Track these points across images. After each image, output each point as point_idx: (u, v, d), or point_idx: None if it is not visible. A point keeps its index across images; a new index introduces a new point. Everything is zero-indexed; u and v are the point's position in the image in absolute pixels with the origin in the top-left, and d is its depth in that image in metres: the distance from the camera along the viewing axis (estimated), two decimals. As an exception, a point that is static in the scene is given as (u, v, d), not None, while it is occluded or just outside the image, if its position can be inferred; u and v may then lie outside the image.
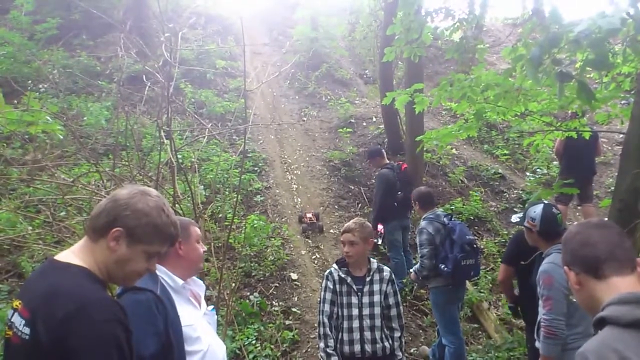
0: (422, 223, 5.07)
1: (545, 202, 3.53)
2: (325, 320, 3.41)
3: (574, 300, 2.92)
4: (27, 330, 1.46)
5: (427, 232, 4.94)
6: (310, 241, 7.78)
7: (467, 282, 5.62)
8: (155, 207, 1.68)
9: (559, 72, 2.35)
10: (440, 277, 4.84)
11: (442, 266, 4.75)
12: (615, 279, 1.46)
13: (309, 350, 5.52)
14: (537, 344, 3.09)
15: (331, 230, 8.13)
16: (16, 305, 1.54)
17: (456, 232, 4.82)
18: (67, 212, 5.53)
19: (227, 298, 5.10)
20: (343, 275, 3.45)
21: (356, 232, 3.38)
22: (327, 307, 3.44)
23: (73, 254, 1.62)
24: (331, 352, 3.33)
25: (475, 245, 4.89)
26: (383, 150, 7.61)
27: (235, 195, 5.78)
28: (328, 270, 3.59)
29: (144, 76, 5.83)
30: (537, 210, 3.37)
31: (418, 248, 5.06)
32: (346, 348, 3.39)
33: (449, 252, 4.76)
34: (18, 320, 1.50)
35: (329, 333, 3.38)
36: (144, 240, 1.65)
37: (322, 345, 3.38)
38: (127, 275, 1.68)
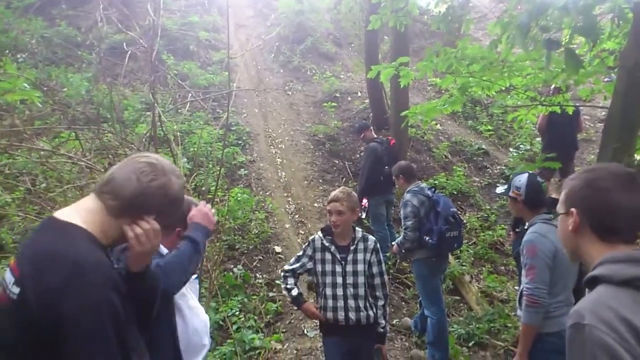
0: (407, 196, 5.06)
1: (530, 172, 3.54)
2: (287, 267, 3.60)
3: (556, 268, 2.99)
4: (16, 289, 1.38)
5: (411, 205, 4.94)
6: (295, 215, 7.78)
7: (449, 254, 5.69)
8: (181, 187, 1.67)
9: (547, 40, 2.34)
10: (423, 249, 4.86)
11: (427, 238, 4.77)
12: (619, 245, 1.41)
13: (292, 321, 5.56)
14: (519, 313, 3.14)
15: (315, 204, 8.13)
16: (10, 262, 1.47)
17: (440, 204, 4.85)
18: (48, 183, 5.44)
19: (210, 270, 5.09)
20: (327, 244, 3.45)
21: (344, 201, 3.37)
22: (292, 260, 3.60)
23: (77, 214, 1.52)
24: (290, 287, 3.51)
25: (458, 218, 4.93)
26: (370, 125, 7.61)
27: (219, 168, 5.73)
28: (312, 236, 3.60)
29: (124, 44, 5.70)
30: (522, 179, 3.36)
31: (402, 220, 5.06)
32: (330, 314, 3.42)
33: (434, 224, 4.78)
34: (9, 278, 1.42)
35: (289, 275, 3.55)
36: (165, 219, 1.64)
37: (282, 285, 3.60)
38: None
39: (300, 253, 3.58)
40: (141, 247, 1.58)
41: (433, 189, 5.18)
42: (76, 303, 1.34)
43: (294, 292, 3.50)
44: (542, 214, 3.26)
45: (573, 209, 1.48)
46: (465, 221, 7.85)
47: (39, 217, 4.62)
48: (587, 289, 1.40)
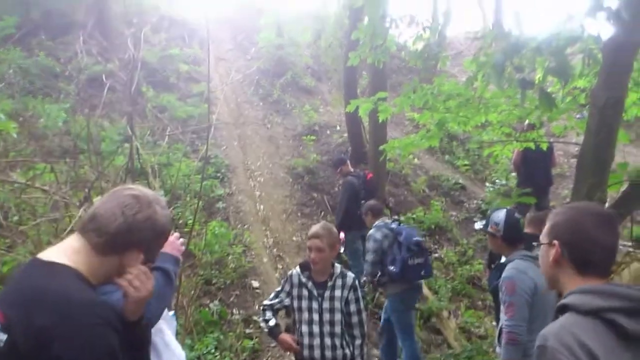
0: (371, 231, 5.22)
1: (508, 207, 3.57)
2: (266, 302, 3.57)
3: (535, 305, 3.00)
4: (2, 336, 1.28)
5: (374, 239, 5.09)
6: (273, 249, 7.71)
7: (427, 290, 5.71)
8: (168, 218, 1.64)
9: (521, 79, 2.40)
10: (396, 283, 4.94)
11: (392, 267, 4.89)
12: (592, 279, 1.55)
13: (269, 359, 5.44)
14: (498, 350, 3.12)
15: (294, 238, 8.08)
16: None
17: (403, 234, 5.00)
18: (21, 216, 5.32)
19: (186, 306, 4.99)
20: (304, 280, 3.40)
21: (324, 238, 3.30)
22: (271, 296, 3.57)
23: (64, 255, 1.46)
24: (268, 318, 3.49)
25: (422, 246, 5.05)
26: (347, 159, 7.66)
27: (197, 201, 5.68)
28: (290, 272, 3.54)
29: (103, 76, 5.68)
30: (500, 215, 3.39)
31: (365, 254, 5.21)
32: (306, 352, 3.36)
33: (397, 254, 4.91)
34: None
35: (267, 309, 3.52)
36: (154, 251, 1.63)
37: (260, 319, 3.58)
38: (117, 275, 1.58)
39: (279, 289, 3.55)
40: (137, 293, 1.53)
41: (397, 222, 5.35)
42: (71, 344, 1.28)
43: (271, 322, 3.46)
44: (520, 249, 3.27)
45: (556, 241, 1.61)
46: (442, 256, 7.88)
47: (8, 251, 4.50)
48: (558, 315, 1.53)
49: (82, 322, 1.31)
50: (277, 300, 3.51)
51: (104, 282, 1.54)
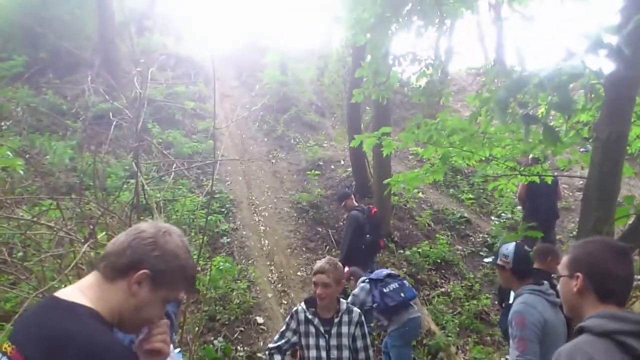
0: (355, 291, 5.65)
1: (517, 240, 3.56)
2: (272, 345, 3.47)
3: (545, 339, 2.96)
4: None
5: (354, 296, 5.58)
6: (278, 284, 7.65)
7: (434, 325, 5.72)
8: (184, 247, 1.54)
9: (524, 115, 2.42)
10: (393, 322, 5.24)
11: (374, 305, 5.23)
12: (612, 306, 1.72)
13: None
14: None
15: (298, 273, 8.02)
16: (5, 349, 1.32)
17: (374, 274, 5.50)
18: (25, 252, 5.31)
19: (190, 343, 4.93)
20: (310, 316, 3.36)
21: (330, 273, 3.28)
22: (277, 337, 3.47)
23: (80, 292, 1.43)
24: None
25: (392, 275, 5.43)
26: (352, 193, 7.67)
27: (201, 237, 5.67)
28: (295, 308, 3.49)
29: (110, 114, 5.76)
30: (509, 247, 3.37)
31: None
32: None
33: (374, 291, 5.30)
34: None
35: (274, 352, 3.42)
36: (169, 285, 1.50)
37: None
38: (139, 322, 1.51)
39: (284, 328, 3.46)
40: (161, 345, 1.53)
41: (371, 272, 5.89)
42: None
43: None
44: (529, 284, 3.23)
45: (579, 274, 1.78)
46: (449, 290, 7.80)
47: (12, 288, 4.48)
48: (574, 336, 1.71)
49: None
50: (283, 340, 3.42)
51: (121, 322, 1.48)
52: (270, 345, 3.50)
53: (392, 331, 5.29)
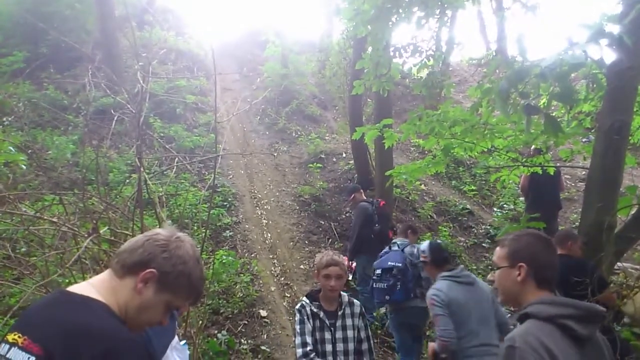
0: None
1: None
2: (300, 351, 3.20)
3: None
4: None
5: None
6: (281, 277, 7.67)
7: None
8: (194, 257, 1.57)
9: (526, 105, 2.42)
10: (391, 304, 5.30)
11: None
12: (546, 292, 1.90)
13: (278, 389, 5.36)
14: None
15: (301, 266, 8.03)
16: (14, 339, 1.33)
17: (380, 259, 5.49)
18: (29, 247, 5.32)
19: (193, 336, 4.94)
20: (315, 310, 3.33)
21: (341, 265, 3.28)
22: (308, 339, 3.22)
23: (92, 287, 1.48)
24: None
25: (388, 272, 5.28)
26: (360, 187, 7.66)
27: (204, 230, 5.68)
28: (299, 304, 3.41)
29: (112, 109, 5.75)
30: (424, 244, 4.10)
31: None
32: None
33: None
34: (20, 356, 1.29)
35: (313, 356, 3.17)
36: (173, 289, 1.53)
37: None
38: (140, 323, 1.53)
39: (299, 326, 3.28)
40: None
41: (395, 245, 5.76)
42: None
43: None
44: (445, 270, 3.87)
45: (522, 264, 1.92)
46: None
47: (16, 283, 4.50)
48: (518, 323, 1.86)
49: (130, 356, 1.34)
50: (312, 338, 3.26)
51: (127, 319, 1.50)
52: (299, 351, 3.22)
53: (391, 311, 5.41)
